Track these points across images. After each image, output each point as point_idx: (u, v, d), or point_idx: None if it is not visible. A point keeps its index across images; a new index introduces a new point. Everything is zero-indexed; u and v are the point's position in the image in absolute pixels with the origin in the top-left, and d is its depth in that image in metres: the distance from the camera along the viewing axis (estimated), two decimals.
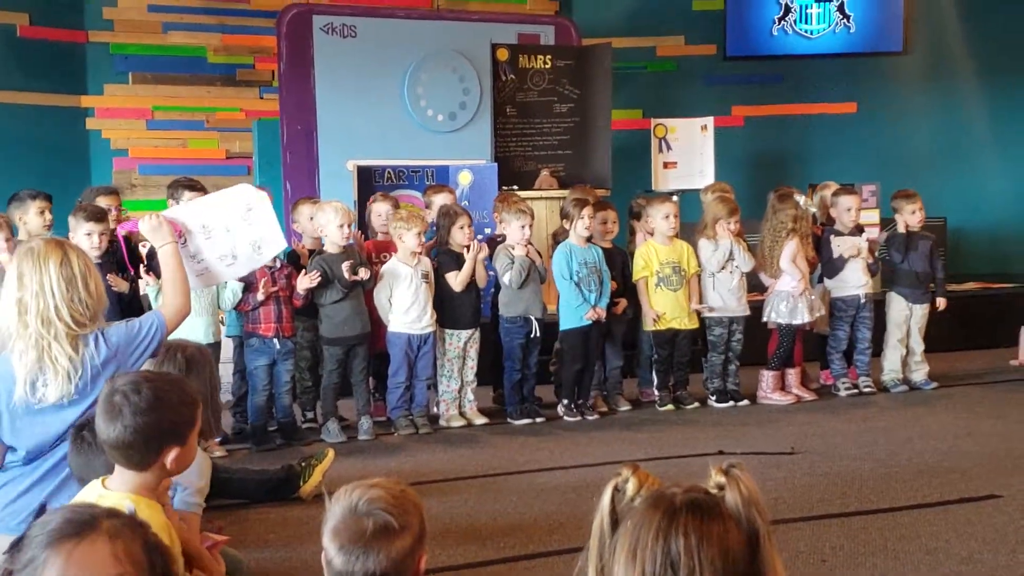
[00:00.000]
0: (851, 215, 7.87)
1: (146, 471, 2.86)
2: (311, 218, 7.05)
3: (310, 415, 7.12)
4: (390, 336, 6.93)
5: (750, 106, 12.47)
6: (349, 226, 6.79)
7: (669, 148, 10.71)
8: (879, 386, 7.94)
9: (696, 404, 7.55)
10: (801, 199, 7.83)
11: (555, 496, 5.34)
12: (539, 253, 7.32)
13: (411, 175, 8.87)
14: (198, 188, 6.88)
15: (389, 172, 8.85)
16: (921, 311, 7.98)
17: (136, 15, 11.04)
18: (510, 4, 12.25)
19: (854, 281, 7.83)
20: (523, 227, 7.10)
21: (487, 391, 7.61)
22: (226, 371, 6.63)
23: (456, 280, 7.01)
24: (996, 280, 10.82)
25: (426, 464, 6.12)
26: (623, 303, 7.48)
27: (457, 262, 7.06)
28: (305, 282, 6.57)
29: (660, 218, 7.47)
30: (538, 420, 7.16)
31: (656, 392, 7.59)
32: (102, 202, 6.69)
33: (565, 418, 7.23)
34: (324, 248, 6.82)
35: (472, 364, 7.18)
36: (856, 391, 7.83)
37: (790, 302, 7.59)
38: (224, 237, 4.45)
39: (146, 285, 6.01)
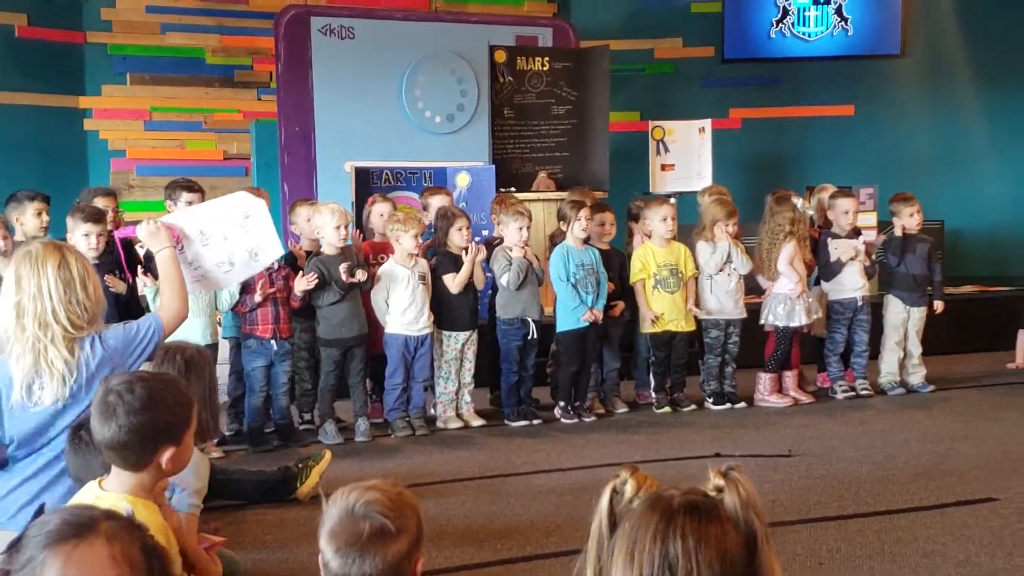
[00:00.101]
0: (848, 218, 7.87)
1: (142, 471, 2.86)
2: (308, 220, 7.05)
3: (307, 416, 7.12)
4: (387, 337, 6.93)
5: (748, 108, 12.48)
6: (346, 227, 6.80)
7: (667, 150, 10.70)
8: (876, 389, 7.94)
9: (693, 406, 7.55)
10: (798, 202, 7.83)
11: (552, 498, 5.34)
12: (536, 256, 7.32)
13: (409, 177, 8.86)
14: (196, 189, 6.87)
15: (387, 173, 8.84)
16: (919, 314, 7.98)
17: (134, 16, 11.03)
18: (508, 6, 12.25)
19: (851, 284, 7.83)
20: (521, 229, 7.10)
21: (484, 393, 7.61)
22: (222, 372, 6.62)
23: (454, 282, 7.01)
24: (994, 283, 10.82)
25: (423, 466, 6.12)
26: (620, 305, 7.48)
27: (455, 264, 7.06)
28: (302, 284, 6.57)
29: (658, 220, 7.48)
30: (535, 422, 7.16)
31: (653, 394, 7.59)
32: (100, 203, 6.68)
33: (562, 420, 7.22)
34: (321, 250, 6.82)
35: (469, 366, 7.18)
36: (853, 394, 7.83)
37: (787, 304, 7.59)
38: (222, 244, 4.46)
39: (144, 286, 6.00)
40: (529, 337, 7.19)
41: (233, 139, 11.30)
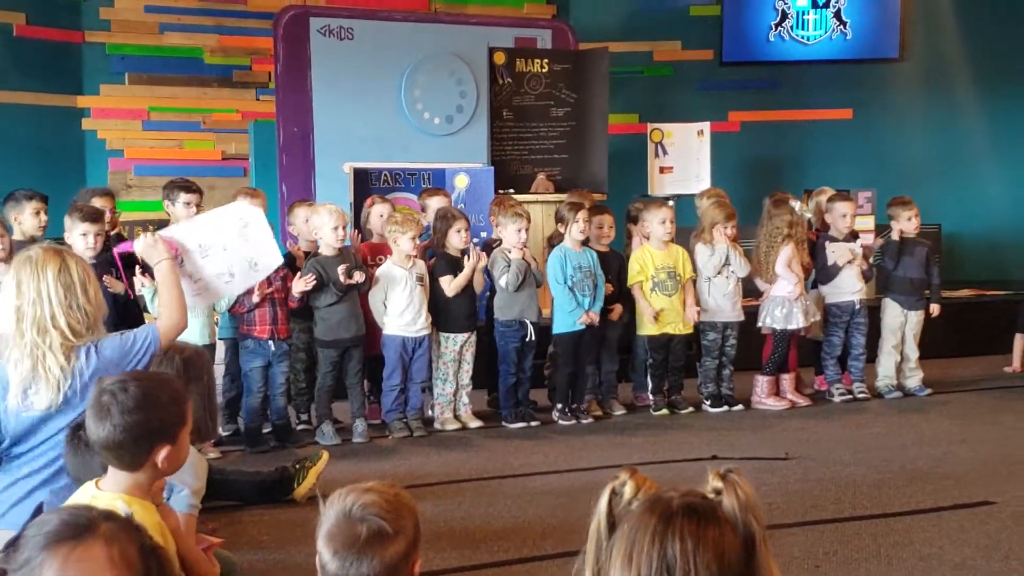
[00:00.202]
0: (846, 221, 7.88)
1: (138, 471, 2.86)
2: (306, 220, 7.04)
3: (305, 417, 7.11)
4: (385, 339, 6.92)
5: (746, 112, 12.49)
6: (344, 228, 6.79)
7: (665, 153, 10.71)
8: (873, 392, 7.94)
9: (691, 409, 7.55)
10: (796, 204, 7.84)
11: (549, 500, 5.34)
12: (534, 258, 7.31)
13: (407, 178, 8.86)
14: (193, 190, 6.87)
15: (385, 175, 8.84)
16: (916, 317, 7.99)
17: (133, 15, 11.03)
18: (507, 8, 12.26)
19: (849, 287, 7.84)
20: (519, 230, 7.10)
21: (482, 394, 7.61)
22: (217, 373, 6.61)
23: (450, 286, 7.00)
24: (991, 287, 10.84)
25: (420, 467, 6.12)
26: (618, 309, 7.48)
27: (452, 266, 7.05)
28: (300, 285, 6.56)
29: (656, 223, 7.48)
30: (532, 424, 7.16)
31: (651, 396, 7.59)
32: (97, 203, 6.67)
33: (559, 422, 7.22)
34: (319, 250, 6.81)
35: (468, 368, 7.17)
36: (850, 397, 7.83)
37: (785, 307, 7.60)
38: (221, 255, 4.47)
39: (141, 286, 5.99)
40: (527, 339, 7.18)
41: (231, 139, 11.30)
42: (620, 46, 11.51)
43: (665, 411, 7.49)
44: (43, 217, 6.45)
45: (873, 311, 8.05)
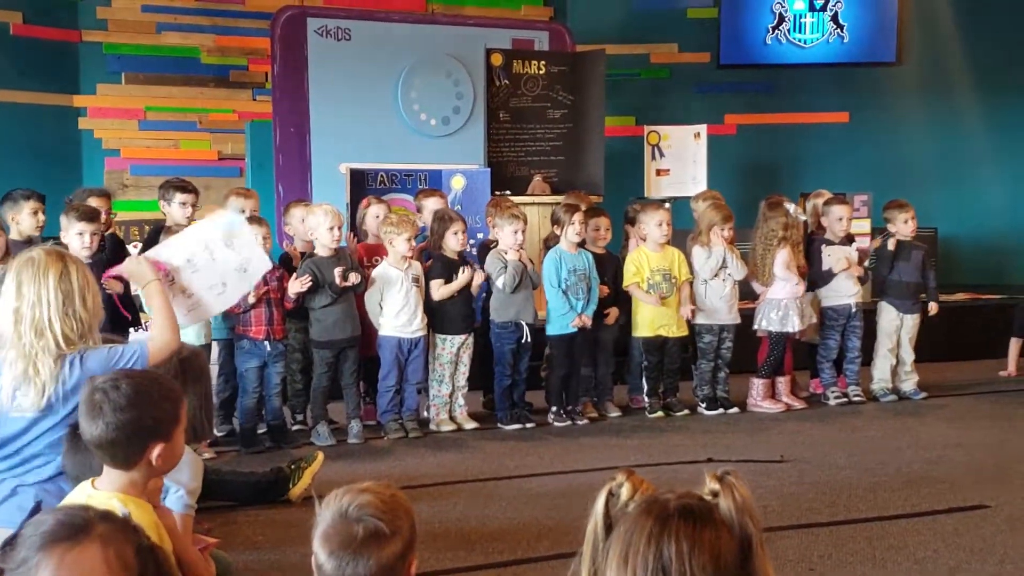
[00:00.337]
0: (842, 225, 7.88)
1: (132, 469, 2.86)
2: (303, 220, 7.04)
3: (300, 418, 7.12)
4: (381, 340, 6.92)
5: (743, 114, 12.49)
6: (339, 228, 6.78)
7: (662, 155, 10.72)
8: (869, 395, 7.95)
9: (686, 411, 7.55)
10: (791, 207, 7.85)
11: (544, 501, 5.34)
12: (530, 260, 7.31)
13: (404, 179, 8.85)
14: (189, 190, 6.87)
15: (382, 175, 8.83)
16: (912, 321, 8.00)
17: (130, 15, 11.02)
18: (505, 9, 12.25)
19: (845, 290, 7.84)
20: (516, 232, 7.10)
21: (477, 396, 7.61)
22: (212, 373, 6.60)
23: (438, 290, 6.99)
24: (986, 291, 10.85)
25: (415, 468, 6.12)
26: (614, 313, 7.48)
27: (447, 268, 7.05)
28: (296, 286, 6.55)
29: (653, 225, 7.48)
30: (528, 425, 7.16)
31: (646, 399, 7.59)
32: (93, 203, 6.67)
33: (555, 423, 7.22)
34: (315, 251, 6.80)
35: (464, 370, 7.17)
36: (846, 400, 7.84)
37: (781, 310, 7.60)
38: (211, 267, 4.46)
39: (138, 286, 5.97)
40: (523, 340, 7.19)
41: (228, 139, 11.29)
42: (617, 48, 11.52)
43: (660, 413, 7.50)
44: (41, 217, 6.43)
45: (869, 314, 8.06)
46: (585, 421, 7.31)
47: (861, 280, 7.97)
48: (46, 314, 3.46)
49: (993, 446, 6.50)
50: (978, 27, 12.36)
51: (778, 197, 7.96)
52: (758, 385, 7.70)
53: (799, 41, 12.54)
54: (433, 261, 7.11)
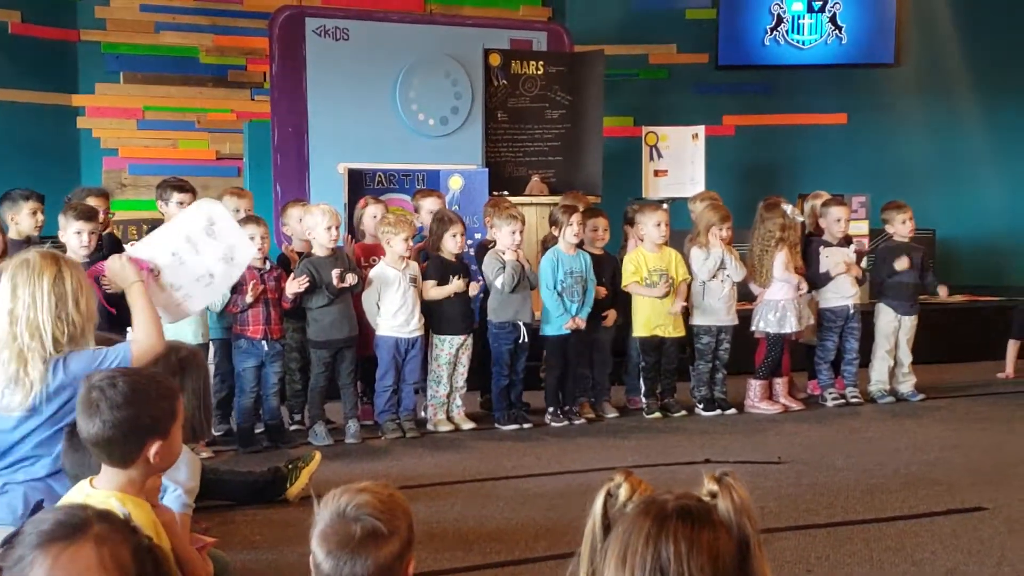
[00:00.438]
0: (840, 226, 7.89)
1: (130, 467, 2.85)
2: (300, 220, 7.04)
3: (297, 418, 7.11)
4: (378, 339, 6.92)
5: (741, 115, 12.50)
6: (337, 228, 6.78)
7: (660, 156, 10.72)
8: (866, 397, 7.95)
9: (683, 412, 7.55)
10: (789, 208, 7.85)
11: (542, 502, 5.34)
12: (528, 260, 7.31)
13: (402, 179, 8.85)
14: (187, 189, 6.86)
15: (380, 175, 8.83)
16: (910, 322, 8.00)
17: (128, 14, 11.03)
18: (503, 9, 12.26)
19: (843, 291, 7.85)
20: (514, 232, 7.10)
21: (474, 396, 7.61)
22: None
23: (429, 291, 6.99)
24: (984, 292, 10.85)
25: (413, 468, 6.11)
26: (612, 315, 7.48)
27: (444, 270, 7.04)
28: (293, 286, 6.55)
29: (651, 225, 7.48)
30: (525, 426, 7.16)
31: (643, 399, 7.59)
32: (91, 203, 6.66)
33: (552, 424, 7.22)
34: (312, 251, 6.80)
35: (463, 370, 7.16)
36: (843, 402, 7.85)
37: (778, 311, 7.60)
38: (196, 259, 4.43)
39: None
40: (520, 341, 7.19)
41: (226, 139, 11.29)
42: (615, 49, 11.52)
43: (658, 414, 7.50)
44: (40, 217, 6.44)
45: (867, 316, 8.06)
46: (582, 421, 7.32)
47: (859, 282, 7.97)
48: (40, 317, 3.48)
49: (991, 448, 6.50)
50: (976, 28, 12.37)
51: (775, 198, 7.96)
52: (756, 386, 7.70)
53: (797, 42, 12.55)
54: (429, 263, 7.11)
